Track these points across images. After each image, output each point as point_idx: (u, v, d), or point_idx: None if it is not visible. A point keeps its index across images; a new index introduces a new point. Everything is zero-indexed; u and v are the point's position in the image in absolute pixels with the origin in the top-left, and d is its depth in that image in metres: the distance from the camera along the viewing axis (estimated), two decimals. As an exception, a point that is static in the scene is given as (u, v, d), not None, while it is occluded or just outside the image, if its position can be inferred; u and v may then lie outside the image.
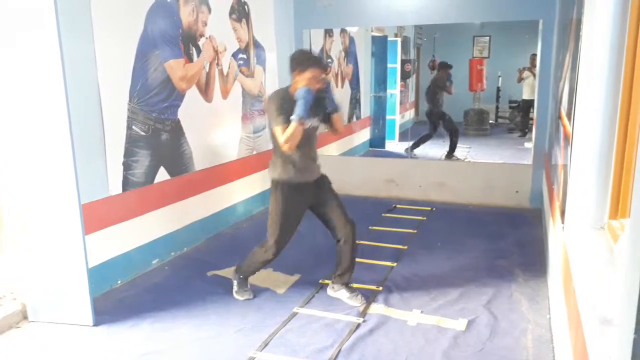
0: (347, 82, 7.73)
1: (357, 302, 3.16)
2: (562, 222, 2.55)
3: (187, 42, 4.03)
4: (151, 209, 3.79)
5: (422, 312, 3.06)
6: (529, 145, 8.51)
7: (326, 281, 3.50)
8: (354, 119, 8.15)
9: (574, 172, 2.26)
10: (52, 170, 2.80)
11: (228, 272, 3.69)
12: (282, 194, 3.05)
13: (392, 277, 3.57)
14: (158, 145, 3.80)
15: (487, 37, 11.14)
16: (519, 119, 10.28)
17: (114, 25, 3.36)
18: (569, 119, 2.54)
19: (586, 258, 1.91)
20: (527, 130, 9.45)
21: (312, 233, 4.19)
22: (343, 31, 7.37)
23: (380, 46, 8.87)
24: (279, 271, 3.70)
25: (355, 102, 8.16)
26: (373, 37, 8.77)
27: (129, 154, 3.53)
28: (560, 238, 2.56)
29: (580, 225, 2.16)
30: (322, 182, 3.18)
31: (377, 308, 3.11)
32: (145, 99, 3.63)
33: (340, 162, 6.35)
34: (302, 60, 2.96)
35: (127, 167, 3.53)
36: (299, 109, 2.84)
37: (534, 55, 5.77)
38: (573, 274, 1.99)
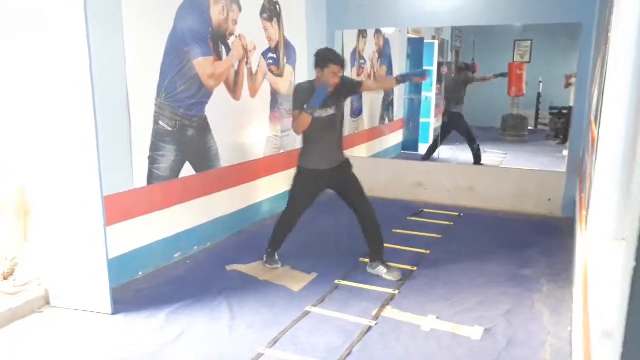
0: (380, 84, 7.67)
1: (394, 277, 3.52)
2: (586, 230, 2.44)
3: (217, 40, 4.09)
4: (175, 203, 3.87)
5: (437, 317, 3.00)
6: (567, 153, 8.24)
7: (342, 282, 3.48)
8: (386, 121, 8.08)
9: (597, 179, 2.16)
10: (76, 162, 2.89)
11: (247, 267, 3.73)
12: (299, 178, 3.61)
13: (411, 282, 3.52)
14: (184, 141, 3.87)
15: (529, 42, 10.83)
16: (559, 125, 9.96)
17: (144, 21, 3.44)
18: (596, 124, 2.44)
19: (602, 270, 1.82)
20: (565, 137, 9.16)
21: (334, 232, 4.19)
22: (377, 32, 7.33)
23: (416, 48, 8.75)
24: (297, 269, 3.70)
25: (387, 104, 8.09)
26: (409, 39, 8.67)
27: (155, 148, 3.61)
28: (584, 245, 2.46)
29: (601, 236, 2.06)
30: (343, 168, 3.62)
31: (391, 312, 3.07)
32: (172, 95, 3.71)
33: (369, 164, 6.30)
34: (322, 58, 3.41)
35: (152, 161, 3.61)
36: (313, 102, 3.32)
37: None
38: (589, 285, 1.90)
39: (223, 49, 4.17)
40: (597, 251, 2.04)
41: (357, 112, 6.94)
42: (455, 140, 7.45)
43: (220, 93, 4.19)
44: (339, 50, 6.05)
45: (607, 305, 1.49)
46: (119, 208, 3.38)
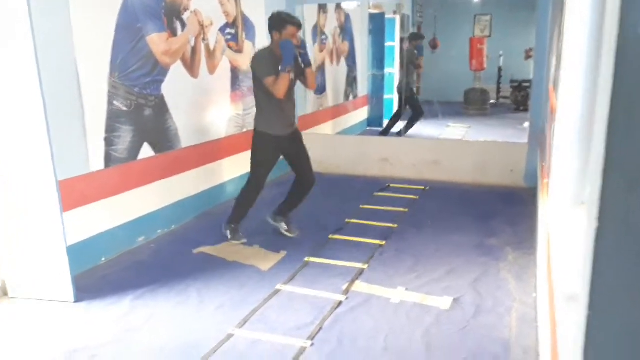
0: (342, 60, 7.60)
1: (293, 234, 3.80)
2: (546, 197, 2.48)
3: (171, 15, 3.93)
4: (136, 185, 3.74)
5: (406, 289, 3.02)
6: (528, 125, 8.39)
7: (311, 259, 3.46)
8: (351, 97, 8.04)
9: (557, 147, 2.18)
10: (27, 147, 2.74)
11: (214, 249, 3.66)
12: (262, 144, 3.61)
13: (379, 256, 3.52)
14: (141, 121, 3.73)
15: (489, 16, 10.94)
16: (520, 98, 10.14)
17: (92, -3, 3.26)
18: (555, 92, 2.45)
19: (563, 235, 1.85)
20: (526, 109, 9.37)
21: (302, 209, 4.14)
22: (338, 7, 7.22)
23: (377, 24, 8.70)
24: (265, 248, 3.66)
25: (351, 80, 8.04)
26: (370, 15, 8.61)
27: (110, 129, 3.47)
28: (546, 215, 2.50)
29: (562, 202, 2.09)
30: (296, 136, 3.72)
31: (361, 286, 3.07)
32: (126, 73, 3.55)
33: (334, 141, 6.27)
34: (279, 20, 3.42)
35: (109, 142, 3.46)
36: (285, 60, 3.34)
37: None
38: (552, 251, 1.93)
39: (178, 25, 4.01)
40: (558, 217, 2.07)
41: (321, 89, 6.86)
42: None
43: (177, 71, 4.04)
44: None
45: (570, 269, 1.51)
46: (76, 192, 3.24)
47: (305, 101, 6.32)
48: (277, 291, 3.02)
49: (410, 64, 7.40)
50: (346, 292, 2.98)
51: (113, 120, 3.48)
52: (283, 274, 3.25)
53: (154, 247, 3.76)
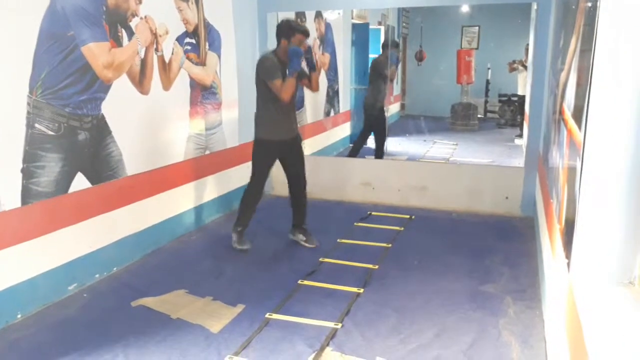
0: (323, 73, 7.05)
1: (312, 244, 3.85)
2: (567, 258, 1.93)
3: (114, 22, 3.34)
4: (66, 224, 3.12)
5: (387, 361, 2.44)
6: (519, 142, 7.92)
7: (274, 315, 2.87)
8: (332, 113, 7.48)
9: (586, 196, 1.63)
10: None
11: (157, 301, 3.05)
12: (259, 149, 3.72)
13: (356, 309, 2.94)
14: (74, 147, 3.12)
15: (477, 27, 10.52)
16: (509, 113, 9.71)
17: (5, -3, 2.67)
18: (578, 121, 1.91)
19: (611, 331, 1.29)
20: (514, 125, 9.00)
21: (271, 247, 3.57)
22: (318, 16, 6.69)
23: (361, 35, 8.19)
24: (219, 300, 3.06)
25: (333, 94, 7.49)
26: (353, 25, 8.10)
27: (30, 158, 2.85)
28: (565, 278, 1.94)
29: (595, 274, 1.54)
30: (295, 141, 3.79)
31: (332, 356, 2.48)
32: (54, 90, 2.95)
33: (310, 162, 5.66)
34: (288, 28, 3.52)
35: (28, 174, 2.85)
36: (292, 65, 3.45)
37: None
38: (586, 336, 1.38)
39: (123, 33, 3.43)
40: (594, 296, 1.51)
41: (299, 105, 6.29)
42: (405, 132, 6.91)
43: (121, 86, 3.44)
44: (272, 36, 5.38)
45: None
46: (-19, 237, 2.63)
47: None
48: (227, 365, 2.42)
49: (379, 77, 6.42)
50: (312, 366, 2.40)
51: (34, 147, 2.87)
52: (236, 337, 2.65)
53: (88, 297, 3.14)
